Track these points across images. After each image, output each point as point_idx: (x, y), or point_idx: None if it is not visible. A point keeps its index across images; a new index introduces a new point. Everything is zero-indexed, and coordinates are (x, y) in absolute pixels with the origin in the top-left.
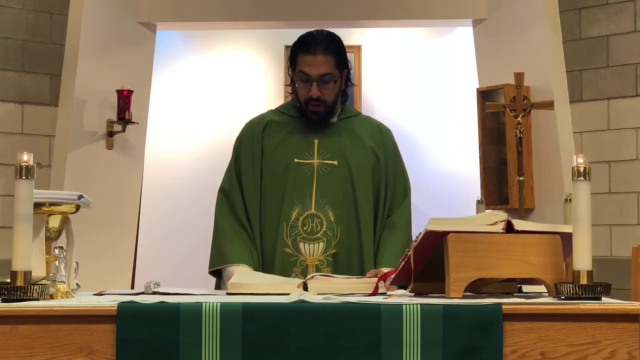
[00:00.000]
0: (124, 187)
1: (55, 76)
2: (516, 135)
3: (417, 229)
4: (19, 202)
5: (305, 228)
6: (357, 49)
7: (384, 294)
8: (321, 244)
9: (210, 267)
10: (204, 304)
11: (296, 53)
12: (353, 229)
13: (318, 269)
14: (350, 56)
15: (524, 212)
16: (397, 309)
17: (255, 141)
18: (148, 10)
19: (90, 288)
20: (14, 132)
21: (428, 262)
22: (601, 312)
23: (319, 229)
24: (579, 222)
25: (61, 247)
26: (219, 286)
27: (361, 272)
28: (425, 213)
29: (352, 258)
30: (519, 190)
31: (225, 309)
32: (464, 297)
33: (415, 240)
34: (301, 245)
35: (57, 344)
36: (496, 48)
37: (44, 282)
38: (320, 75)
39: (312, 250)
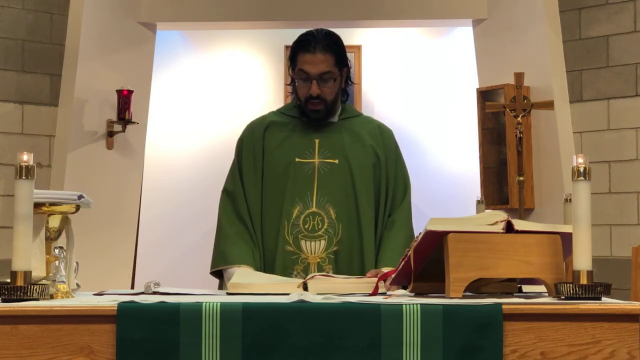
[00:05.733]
0: (124, 187)
1: (55, 76)
2: (516, 135)
3: (417, 229)
4: (19, 202)
5: (306, 226)
6: (357, 49)
7: (384, 294)
8: (322, 242)
9: (212, 267)
10: (204, 304)
11: (296, 52)
12: (354, 226)
13: (319, 267)
14: (350, 56)
15: (524, 212)
16: (397, 309)
17: (256, 142)
18: (148, 10)
19: (90, 288)
20: (14, 132)
21: (428, 262)
22: (601, 312)
23: (320, 226)
24: (579, 222)
25: (61, 247)
26: (221, 287)
27: (362, 270)
28: (425, 213)
29: (353, 256)
30: (519, 190)
31: (225, 309)
32: (464, 297)
33: (415, 240)
34: (302, 243)
35: (57, 344)
36: (496, 48)
37: (44, 282)
38: (320, 74)
39: (314, 248)
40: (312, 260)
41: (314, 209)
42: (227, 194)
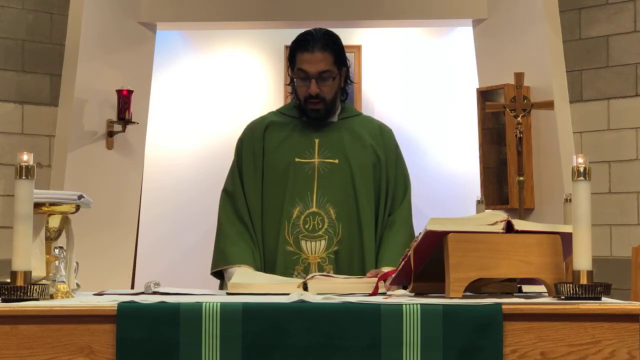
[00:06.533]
0: (124, 187)
1: (55, 76)
2: (516, 135)
3: (417, 229)
4: (19, 202)
5: (306, 226)
6: (357, 49)
7: (384, 294)
8: (323, 242)
9: (212, 268)
10: (204, 304)
11: (294, 52)
12: (354, 226)
13: (320, 267)
14: (350, 56)
15: (524, 212)
16: (397, 309)
17: (256, 142)
18: (148, 10)
19: (90, 288)
20: (14, 132)
21: (428, 262)
22: (601, 312)
23: (320, 226)
24: (579, 222)
25: (61, 247)
26: (222, 288)
27: (362, 270)
28: (425, 213)
29: (354, 255)
30: (519, 190)
31: (225, 309)
32: (464, 297)
33: (415, 240)
34: (303, 243)
35: (57, 344)
36: (496, 48)
37: (44, 282)
38: (319, 72)
39: (314, 248)
40: (312, 260)
41: (314, 209)
42: (227, 194)
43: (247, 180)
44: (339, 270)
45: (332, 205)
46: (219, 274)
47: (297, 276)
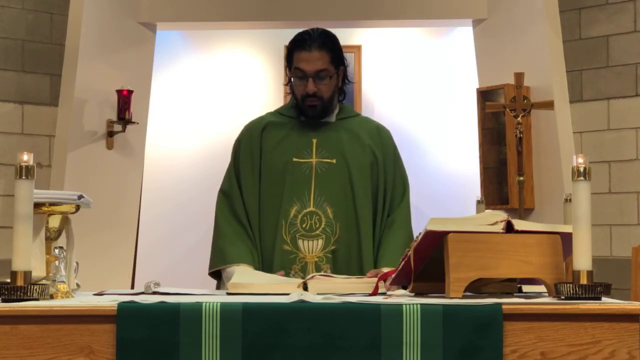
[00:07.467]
0: (124, 187)
1: (55, 76)
2: (516, 135)
3: (417, 229)
4: (19, 202)
5: (304, 225)
6: (357, 49)
7: (384, 294)
8: (320, 241)
9: (210, 267)
10: (204, 304)
11: (292, 51)
12: (352, 226)
13: (317, 266)
14: (350, 56)
15: (524, 212)
16: (397, 309)
17: (254, 142)
18: (148, 10)
19: (90, 288)
20: (14, 132)
21: (428, 262)
22: (601, 312)
23: (317, 226)
24: (579, 222)
25: (61, 247)
26: (219, 288)
27: (360, 269)
28: (425, 213)
29: (351, 255)
30: (519, 190)
31: (225, 309)
32: (464, 297)
33: (415, 240)
34: (300, 242)
35: (57, 344)
36: (496, 48)
37: (44, 282)
38: (316, 71)
39: (311, 248)
40: (309, 260)
41: (311, 208)
42: (224, 194)
43: (244, 180)
44: (336, 270)
45: (330, 205)
46: (216, 274)
47: (294, 275)
